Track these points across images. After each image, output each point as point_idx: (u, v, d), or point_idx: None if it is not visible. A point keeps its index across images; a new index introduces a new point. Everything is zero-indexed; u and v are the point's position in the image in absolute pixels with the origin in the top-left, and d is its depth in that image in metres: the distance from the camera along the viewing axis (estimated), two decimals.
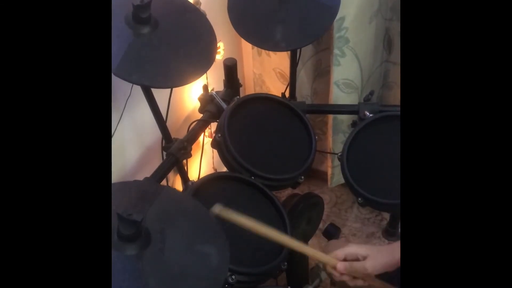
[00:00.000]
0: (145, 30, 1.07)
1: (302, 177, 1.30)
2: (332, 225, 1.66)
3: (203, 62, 1.17)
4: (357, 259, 0.96)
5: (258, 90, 1.94)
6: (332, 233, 1.64)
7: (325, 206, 1.95)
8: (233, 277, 1.04)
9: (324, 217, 1.90)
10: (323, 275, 1.60)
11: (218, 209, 0.93)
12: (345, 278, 0.97)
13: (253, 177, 1.22)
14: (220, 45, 1.64)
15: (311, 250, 1.01)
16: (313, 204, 1.62)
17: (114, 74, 1.01)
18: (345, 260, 0.96)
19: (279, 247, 1.15)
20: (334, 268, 0.97)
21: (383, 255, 0.94)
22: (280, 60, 1.76)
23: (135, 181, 1.13)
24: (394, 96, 1.77)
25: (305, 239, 1.59)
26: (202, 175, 1.64)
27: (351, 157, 1.33)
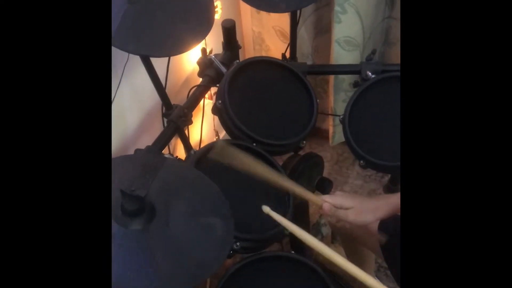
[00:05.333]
0: None
1: (304, 142, 1.30)
2: (324, 178, 1.67)
3: (201, 27, 1.14)
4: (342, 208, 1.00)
5: (258, 49, 1.90)
6: (324, 185, 1.64)
7: (327, 164, 1.97)
8: (238, 243, 1.06)
9: (325, 174, 1.91)
10: (324, 231, 1.63)
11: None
12: (330, 218, 1.02)
13: (254, 144, 1.22)
14: (218, 4, 1.59)
15: (300, 189, 1.05)
16: (314, 164, 1.63)
17: None
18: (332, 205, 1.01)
19: (282, 213, 1.16)
20: (320, 208, 1.02)
21: (366, 211, 0.99)
22: (280, 17, 1.71)
23: (137, 152, 1.12)
24: (396, 53, 1.74)
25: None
26: (203, 137, 1.64)
27: (353, 119, 1.32)
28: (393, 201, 1.01)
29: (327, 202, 1.00)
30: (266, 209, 1.02)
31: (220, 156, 1.02)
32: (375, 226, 1.15)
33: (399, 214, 1.14)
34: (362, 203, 1.00)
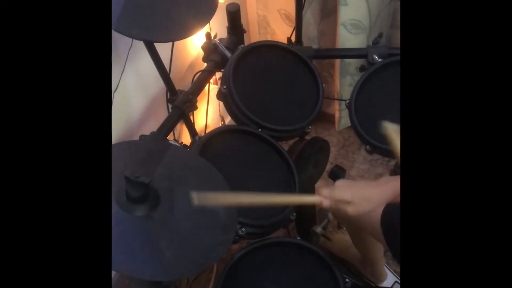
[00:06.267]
0: None
1: (310, 127, 1.29)
2: (337, 166, 1.67)
3: (205, 11, 1.13)
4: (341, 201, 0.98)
5: (263, 33, 1.88)
6: (337, 174, 1.65)
7: (333, 148, 1.96)
8: (243, 229, 1.06)
9: (332, 159, 1.91)
10: (331, 215, 1.63)
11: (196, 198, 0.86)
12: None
13: (260, 129, 1.21)
14: None
15: (295, 198, 1.02)
16: (319, 148, 1.62)
17: (114, 29, 0.98)
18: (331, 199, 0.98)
19: None
20: (321, 205, 0.99)
21: (362, 202, 0.97)
22: (285, 0, 1.69)
23: (142, 138, 1.12)
24: None
25: (312, 182, 1.61)
26: (209, 123, 1.64)
27: (359, 104, 1.31)
28: (391, 187, 0.99)
29: (326, 196, 0.97)
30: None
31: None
32: (377, 216, 1.14)
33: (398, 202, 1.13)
34: (361, 193, 0.98)
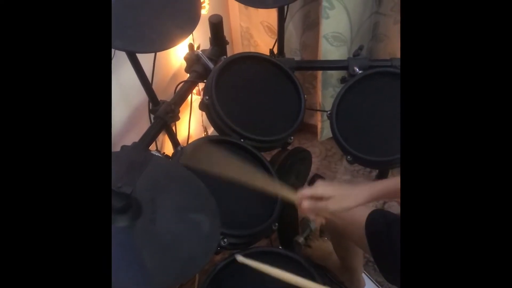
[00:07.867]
0: None
1: (292, 138, 1.30)
2: (317, 175, 1.68)
3: (188, 22, 1.14)
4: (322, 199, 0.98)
5: (246, 45, 1.90)
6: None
7: (315, 159, 1.98)
8: (225, 240, 1.06)
9: (314, 169, 1.92)
10: (313, 225, 1.64)
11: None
12: (310, 213, 1.00)
13: (242, 140, 1.22)
14: None
15: (275, 186, 1.02)
16: (301, 159, 1.63)
17: None
18: (312, 197, 0.98)
19: (270, 209, 1.17)
20: (299, 206, 1.00)
21: (346, 198, 0.98)
22: (268, 13, 1.71)
23: (123, 148, 1.11)
24: (384, 48, 1.74)
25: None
26: (191, 133, 1.64)
27: (341, 115, 1.32)
28: (374, 186, 1.01)
29: (307, 195, 0.98)
30: (240, 258, 1.01)
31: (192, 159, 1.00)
32: (362, 217, 1.15)
33: (385, 209, 1.14)
34: (343, 190, 0.99)
